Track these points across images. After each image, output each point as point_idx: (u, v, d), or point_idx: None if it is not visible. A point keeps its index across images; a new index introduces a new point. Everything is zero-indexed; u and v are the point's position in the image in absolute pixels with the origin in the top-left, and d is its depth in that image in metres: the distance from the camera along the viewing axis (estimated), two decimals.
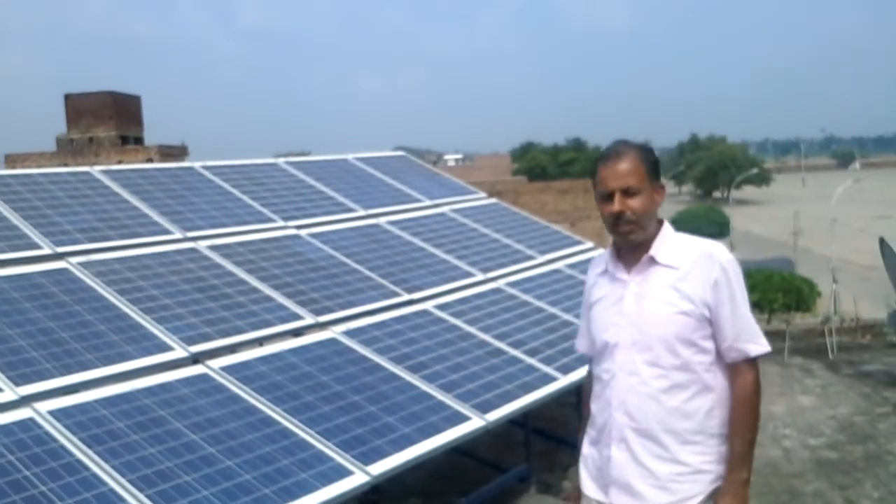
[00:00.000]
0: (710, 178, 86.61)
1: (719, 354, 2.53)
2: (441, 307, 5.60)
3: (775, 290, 9.68)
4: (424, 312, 5.46)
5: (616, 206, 2.51)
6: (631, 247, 2.57)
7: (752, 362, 2.54)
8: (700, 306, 2.48)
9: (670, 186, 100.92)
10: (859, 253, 34.79)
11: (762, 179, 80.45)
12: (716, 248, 2.57)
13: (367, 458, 3.74)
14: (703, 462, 2.51)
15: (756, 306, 9.99)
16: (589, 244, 7.83)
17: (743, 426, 2.52)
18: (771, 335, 9.20)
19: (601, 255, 2.74)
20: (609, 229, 2.57)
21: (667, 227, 2.61)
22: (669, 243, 2.57)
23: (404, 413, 4.20)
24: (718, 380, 2.53)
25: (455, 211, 7.51)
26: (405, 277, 5.83)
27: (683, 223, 47.10)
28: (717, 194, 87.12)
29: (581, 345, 2.88)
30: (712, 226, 46.34)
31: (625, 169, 2.51)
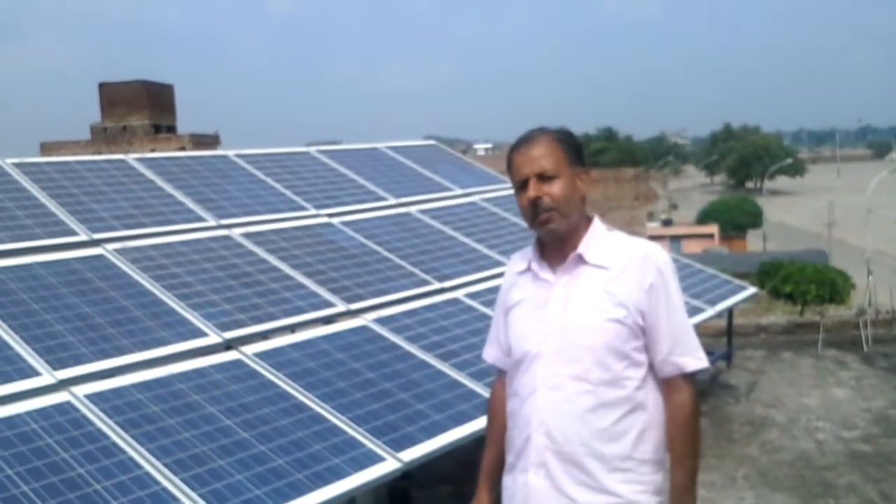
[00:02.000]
0: (744, 168, 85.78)
1: (652, 368, 2.25)
2: (472, 296, 5.60)
3: (808, 281, 9.58)
4: (455, 301, 5.47)
5: (531, 191, 2.23)
6: (556, 242, 2.28)
7: (690, 378, 2.26)
8: (634, 313, 2.20)
9: (701, 176, 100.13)
10: (895, 245, 34.30)
11: (796, 170, 79.53)
12: (652, 249, 2.29)
13: (398, 445, 3.76)
14: (636, 492, 2.21)
15: (789, 298, 9.91)
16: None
17: (681, 453, 2.24)
18: (804, 327, 9.19)
19: (522, 251, 2.42)
20: (528, 222, 2.28)
21: (597, 224, 2.32)
22: (600, 241, 2.28)
23: (435, 401, 4.22)
24: (651, 398, 2.25)
25: (486, 200, 7.50)
26: (436, 266, 5.84)
27: (716, 213, 46.85)
28: (750, 185, 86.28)
29: (490, 354, 2.52)
30: (745, 216, 45.94)
31: (538, 152, 2.24)
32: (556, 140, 2.26)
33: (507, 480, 2.36)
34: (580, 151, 2.31)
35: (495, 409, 2.48)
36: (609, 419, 2.20)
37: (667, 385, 2.25)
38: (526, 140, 2.29)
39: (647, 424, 2.23)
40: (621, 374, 2.20)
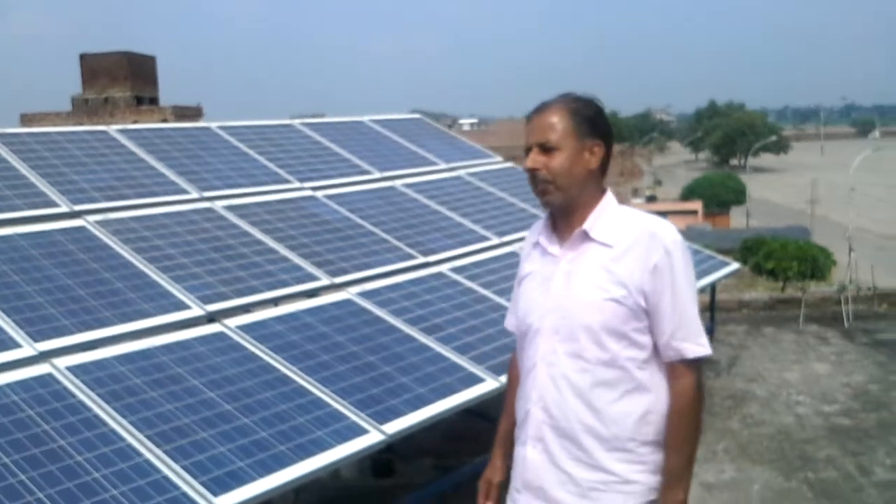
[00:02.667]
0: (728, 145, 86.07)
1: (657, 351, 2.21)
2: (456, 270, 5.59)
3: (790, 258, 9.64)
4: (440, 275, 5.46)
5: (529, 162, 2.20)
6: (565, 216, 2.25)
7: (692, 365, 2.20)
8: (635, 293, 2.15)
9: (686, 153, 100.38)
10: (877, 222, 34.57)
11: (780, 147, 79.90)
12: (662, 227, 2.20)
13: (381, 417, 3.76)
14: (634, 472, 2.19)
15: (771, 274, 9.98)
16: None
17: (678, 438, 2.19)
18: (786, 303, 9.26)
19: (538, 223, 2.39)
20: (533, 191, 2.27)
21: (608, 198, 2.26)
22: (608, 217, 2.22)
23: (419, 374, 4.22)
24: (657, 380, 2.21)
25: (471, 174, 7.48)
26: (421, 240, 5.83)
27: (700, 190, 47.04)
28: (734, 162, 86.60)
29: (509, 322, 2.52)
30: (729, 193, 46.14)
31: (546, 122, 2.19)
32: (569, 110, 2.20)
33: (516, 451, 2.37)
34: (596, 122, 2.23)
35: (512, 377, 2.50)
36: (607, 398, 2.17)
37: (670, 369, 2.21)
38: (541, 107, 2.24)
39: (650, 407, 2.19)
40: (619, 354, 2.17)
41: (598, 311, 2.16)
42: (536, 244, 2.35)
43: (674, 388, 2.20)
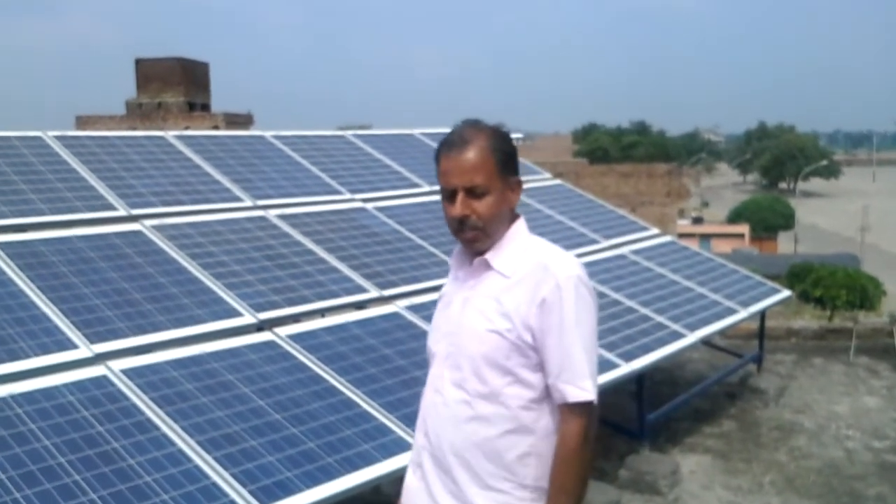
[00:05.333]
0: (777, 167, 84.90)
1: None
2: None
3: (839, 286, 9.43)
4: None
5: (458, 208, 2.08)
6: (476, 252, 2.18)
7: (578, 409, 2.05)
8: (520, 328, 2.04)
9: (734, 175, 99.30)
10: None
11: (831, 172, 78.62)
12: (558, 260, 2.10)
13: None
14: None
15: (819, 302, 9.79)
16: (654, 230, 7.73)
17: (558, 487, 2.04)
18: (836, 333, 9.06)
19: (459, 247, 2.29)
20: (453, 233, 2.17)
21: (518, 227, 2.18)
22: (513, 247, 2.14)
23: None
24: (544, 422, 2.08)
25: None
26: None
27: (747, 213, 46.41)
28: (783, 185, 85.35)
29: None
30: (777, 217, 45.50)
31: (470, 162, 2.06)
32: (490, 148, 2.09)
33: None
34: (513, 157, 2.15)
35: None
36: (484, 434, 2.07)
37: (560, 412, 2.08)
38: (458, 143, 2.10)
39: (531, 449, 2.08)
40: (502, 390, 2.06)
41: (480, 342, 2.08)
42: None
43: (560, 432, 2.08)
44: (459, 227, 2.12)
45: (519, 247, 2.15)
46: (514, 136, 2.24)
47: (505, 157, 2.12)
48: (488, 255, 2.14)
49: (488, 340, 2.07)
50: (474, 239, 2.12)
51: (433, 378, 2.20)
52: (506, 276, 2.10)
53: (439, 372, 2.17)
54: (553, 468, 2.07)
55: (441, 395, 2.15)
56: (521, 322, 2.05)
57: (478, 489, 2.08)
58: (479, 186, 2.07)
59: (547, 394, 2.09)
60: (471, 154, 2.07)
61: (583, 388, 2.05)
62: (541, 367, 2.07)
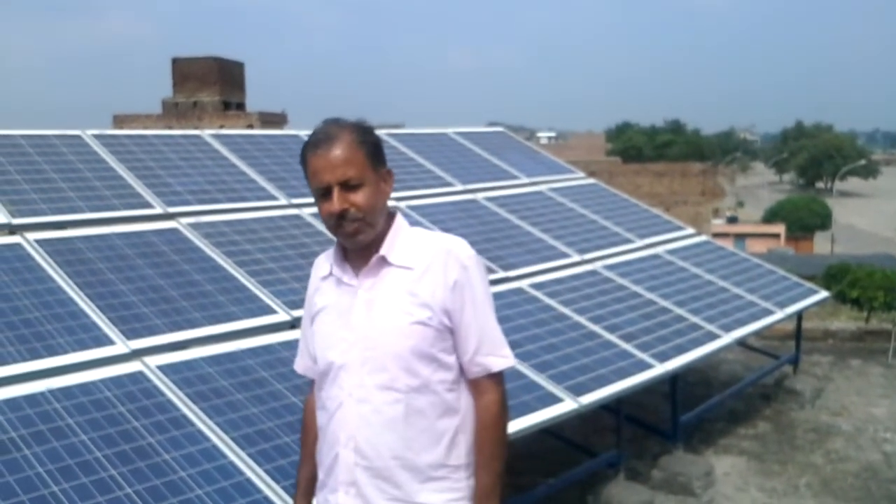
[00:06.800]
0: (814, 167, 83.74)
1: (462, 370, 2.17)
2: (536, 286, 5.56)
3: (876, 287, 9.27)
4: (519, 290, 5.44)
5: (336, 203, 2.07)
6: (359, 247, 2.16)
7: (497, 378, 2.18)
8: (439, 313, 2.10)
9: (770, 174, 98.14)
10: None
11: (869, 171, 77.38)
12: (456, 244, 2.18)
13: None
14: (450, 500, 2.13)
15: (855, 303, 9.64)
16: (690, 230, 7.66)
17: (488, 455, 2.15)
18: (874, 334, 8.92)
19: (325, 253, 2.27)
20: (332, 231, 2.13)
21: (400, 221, 2.20)
22: (404, 240, 2.17)
23: None
24: (463, 400, 2.17)
25: (553, 190, 7.44)
26: (501, 254, 5.82)
27: (783, 213, 45.85)
28: (819, 185, 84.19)
29: (300, 365, 2.38)
30: (813, 217, 44.91)
31: (341, 157, 2.06)
32: (358, 142, 2.10)
33: (319, 499, 2.24)
34: (380, 148, 2.16)
35: (308, 424, 2.36)
36: (420, 426, 2.11)
37: (474, 386, 2.18)
38: (324, 140, 2.09)
39: (458, 428, 2.15)
40: (430, 378, 2.11)
41: (406, 337, 2.09)
42: (327, 276, 2.22)
43: (480, 403, 2.17)
44: (339, 222, 2.10)
45: (409, 239, 2.18)
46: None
47: (373, 148, 2.14)
48: (384, 253, 2.14)
49: (413, 333, 2.10)
50: (357, 231, 2.10)
51: (351, 389, 2.12)
52: (409, 269, 2.13)
53: (357, 381, 2.12)
54: (479, 439, 2.16)
55: (368, 402, 2.11)
56: (440, 307, 2.11)
57: (418, 483, 2.11)
58: (353, 178, 2.08)
59: (461, 373, 2.17)
60: (339, 149, 2.08)
61: (504, 355, 2.20)
62: (454, 348, 2.15)
